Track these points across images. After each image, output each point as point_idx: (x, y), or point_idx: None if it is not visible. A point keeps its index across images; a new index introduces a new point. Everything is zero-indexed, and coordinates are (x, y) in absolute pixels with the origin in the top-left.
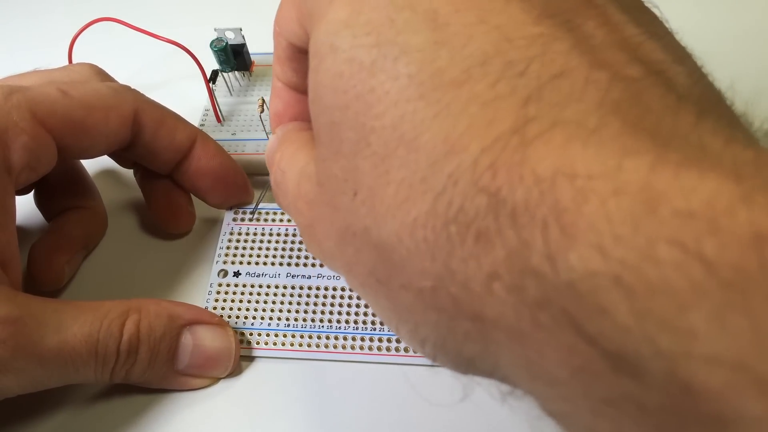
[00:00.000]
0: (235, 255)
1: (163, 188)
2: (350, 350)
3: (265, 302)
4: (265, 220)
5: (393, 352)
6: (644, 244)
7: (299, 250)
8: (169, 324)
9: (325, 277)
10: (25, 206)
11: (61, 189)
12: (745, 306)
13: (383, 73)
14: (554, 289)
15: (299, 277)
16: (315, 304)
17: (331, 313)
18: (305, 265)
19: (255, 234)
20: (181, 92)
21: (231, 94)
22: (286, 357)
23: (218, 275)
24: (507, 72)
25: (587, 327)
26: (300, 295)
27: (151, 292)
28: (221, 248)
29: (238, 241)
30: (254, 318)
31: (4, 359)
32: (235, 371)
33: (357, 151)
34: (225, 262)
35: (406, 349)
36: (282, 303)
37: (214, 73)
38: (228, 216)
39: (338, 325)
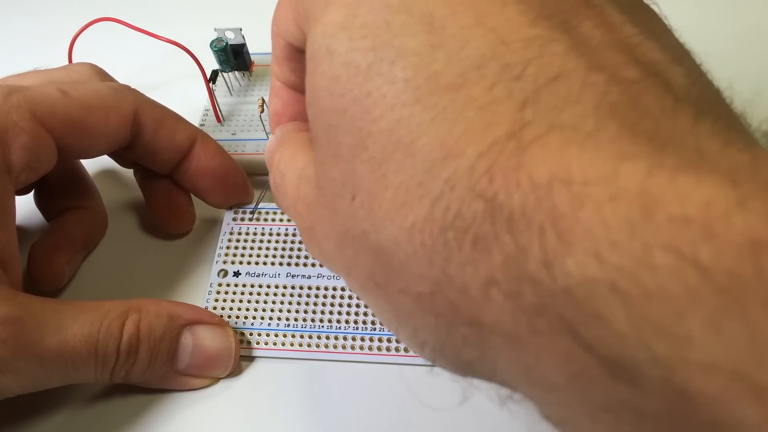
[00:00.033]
0: (235, 255)
1: (163, 188)
2: (350, 350)
3: (265, 302)
4: (265, 220)
5: (393, 352)
6: (640, 250)
7: (299, 250)
8: (169, 324)
9: (325, 277)
10: (25, 206)
11: (61, 189)
12: (741, 312)
13: (379, 77)
14: (551, 296)
15: (299, 277)
16: (315, 304)
17: (330, 313)
18: (305, 265)
19: (255, 234)
20: (181, 92)
21: (231, 94)
22: (286, 357)
23: (218, 275)
24: (503, 75)
25: (584, 333)
26: (300, 295)
27: (151, 292)
28: (221, 248)
29: (238, 241)
30: (254, 318)
31: (4, 359)
32: (235, 371)
33: (355, 154)
34: (225, 262)
35: (405, 350)
36: (282, 303)
37: (214, 73)
38: (228, 216)
39: (338, 325)
